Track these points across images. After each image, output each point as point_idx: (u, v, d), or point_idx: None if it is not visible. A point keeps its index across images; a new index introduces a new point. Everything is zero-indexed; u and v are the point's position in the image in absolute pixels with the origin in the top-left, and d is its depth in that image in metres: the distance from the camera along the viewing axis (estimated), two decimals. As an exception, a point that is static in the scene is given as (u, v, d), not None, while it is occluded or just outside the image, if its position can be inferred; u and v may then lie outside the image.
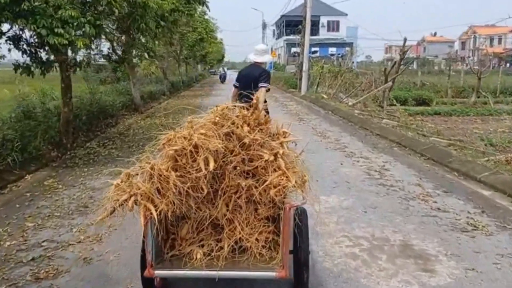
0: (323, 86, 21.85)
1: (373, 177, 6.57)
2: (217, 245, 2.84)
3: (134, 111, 14.89)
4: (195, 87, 33.76)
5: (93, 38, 7.99)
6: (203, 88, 31.62)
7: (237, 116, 2.94)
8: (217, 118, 2.83)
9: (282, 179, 2.67)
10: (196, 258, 2.75)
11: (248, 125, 2.91)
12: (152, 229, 2.64)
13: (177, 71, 29.87)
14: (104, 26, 8.05)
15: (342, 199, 5.49)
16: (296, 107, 17.85)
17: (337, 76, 19.74)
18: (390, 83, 16.58)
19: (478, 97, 21.62)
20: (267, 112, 5.65)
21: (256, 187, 2.72)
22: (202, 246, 2.86)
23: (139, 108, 15.01)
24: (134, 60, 14.94)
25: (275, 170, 2.72)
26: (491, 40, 77.11)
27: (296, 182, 2.69)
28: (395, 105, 16.59)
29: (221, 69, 44.78)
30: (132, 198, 2.57)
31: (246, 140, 2.76)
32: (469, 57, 73.87)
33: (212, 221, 2.87)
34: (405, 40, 17.31)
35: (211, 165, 2.59)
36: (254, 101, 3.12)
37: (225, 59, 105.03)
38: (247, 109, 3.07)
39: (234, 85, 5.86)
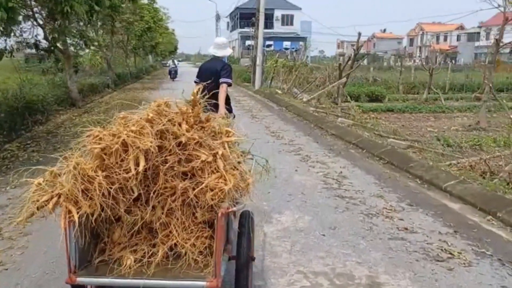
0: (277, 80, 21.20)
1: (331, 187, 5.89)
2: (150, 250, 2.63)
3: (71, 106, 13.52)
4: (145, 79, 32.16)
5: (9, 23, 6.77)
6: (153, 81, 30.12)
7: (176, 113, 2.69)
8: (151, 115, 2.57)
9: (220, 182, 2.48)
10: (126, 264, 2.53)
11: (187, 122, 2.67)
12: (72, 233, 2.41)
13: (125, 62, 28.25)
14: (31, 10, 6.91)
15: (297, 217, 4.73)
16: (250, 103, 17.05)
17: (291, 71, 19.11)
18: (344, 79, 16.14)
19: (429, 93, 21.74)
20: (230, 110, 5.36)
21: (193, 189, 2.52)
22: (136, 251, 2.64)
23: (77, 102, 13.66)
24: (72, 50, 13.54)
25: (213, 172, 2.54)
26: (437, 37, 80.00)
27: (237, 185, 2.54)
28: (349, 101, 16.23)
29: (170, 61, 32.89)
30: (54, 200, 2.37)
31: (183, 139, 2.53)
32: (418, 55, 76.38)
33: (147, 225, 2.68)
34: (359, 35, 16.93)
35: (141, 165, 2.38)
36: (192, 96, 2.81)
37: (179, 51, 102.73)
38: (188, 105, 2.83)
39: (194, 81, 5.36)
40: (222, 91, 4.97)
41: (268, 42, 44.04)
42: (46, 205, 2.37)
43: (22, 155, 7.33)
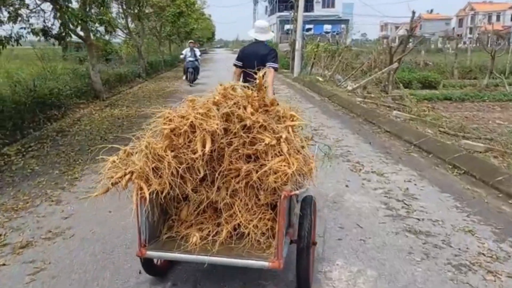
0: (318, 67, 19.47)
1: (397, 214, 4.36)
2: (215, 229, 2.74)
3: (94, 98, 12.49)
4: (179, 67, 31.08)
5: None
6: (188, 69, 29.02)
7: (241, 97, 2.73)
8: (217, 98, 2.67)
9: (283, 165, 2.48)
10: (192, 241, 2.63)
11: (252, 106, 2.67)
12: (143, 209, 2.52)
13: (159, 50, 27.26)
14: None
15: (355, 271, 3.26)
16: (288, 92, 15.48)
17: (334, 56, 17.35)
18: (396, 64, 14.27)
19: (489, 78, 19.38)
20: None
21: (256, 172, 2.54)
22: (201, 229, 2.75)
23: (100, 94, 12.60)
24: (92, 37, 12.45)
25: (276, 155, 2.54)
26: (489, 17, 75.05)
27: (300, 169, 2.54)
28: (401, 89, 14.38)
29: (186, 50, 17.13)
30: (127, 177, 2.46)
31: (248, 122, 2.58)
32: (469, 36, 71.77)
33: (213, 204, 2.77)
34: (413, 13, 14.93)
35: (207, 146, 2.45)
36: (258, 80, 2.78)
37: (216, 37, 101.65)
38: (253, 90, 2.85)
39: (235, 64, 5.35)
40: (270, 75, 4.77)
41: (307, 26, 41.89)
42: (119, 181, 2.45)
43: (18, 162, 6.20)
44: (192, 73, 16.68)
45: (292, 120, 2.78)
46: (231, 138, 2.57)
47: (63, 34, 8.50)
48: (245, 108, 2.67)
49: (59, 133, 8.16)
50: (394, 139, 7.82)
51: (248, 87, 2.82)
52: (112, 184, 2.47)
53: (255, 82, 3.09)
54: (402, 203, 4.64)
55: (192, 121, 2.48)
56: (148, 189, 2.43)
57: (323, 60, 18.23)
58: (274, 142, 2.55)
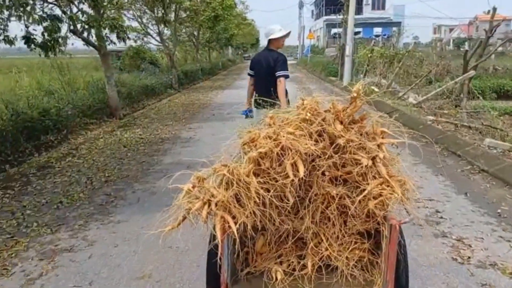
0: (373, 74, 16.93)
1: None
2: (299, 262, 2.37)
3: (110, 116, 10.73)
4: (219, 75, 29.40)
5: None
6: (227, 77, 27.18)
7: (327, 111, 2.38)
8: (308, 115, 2.32)
9: (384, 189, 2.18)
10: (277, 278, 2.30)
11: (341, 122, 2.34)
12: (229, 245, 2.23)
13: (196, 57, 25.63)
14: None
15: None
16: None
17: (392, 62, 14.77)
18: (472, 72, 11.56)
19: None
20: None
21: (348, 196, 2.27)
22: (281, 263, 2.42)
23: (117, 112, 10.81)
24: (109, 46, 10.70)
25: (374, 177, 2.23)
26: (555, 17, 69.08)
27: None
28: (473, 99, 11.71)
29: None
30: (206, 207, 2.09)
31: (340, 141, 2.25)
32: (532, 35, 65.97)
33: (293, 234, 2.42)
34: (494, 10, 12.18)
35: (301, 170, 2.14)
36: (354, 92, 2.36)
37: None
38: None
39: (248, 74, 5.16)
40: (281, 85, 4.64)
41: (356, 29, 39.22)
42: (199, 212, 2.09)
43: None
44: None
45: (382, 137, 2.35)
46: (322, 160, 2.24)
47: (49, 41, 6.66)
48: (334, 125, 2.31)
49: (41, 170, 6.30)
50: (498, 184, 5.35)
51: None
52: (191, 215, 2.04)
53: (271, 92, 3.96)
54: None
55: (282, 143, 2.16)
56: (235, 222, 2.06)
57: (378, 67, 15.68)
58: (370, 163, 2.21)
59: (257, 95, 4.77)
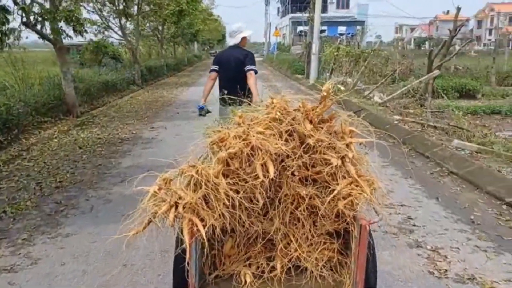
0: (339, 73, 16.90)
1: None
2: (268, 264, 2.33)
3: (67, 114, 10.11)
4: (185, 71, 28.77)
5: None
6: (193, 73, 26.61)
7: (296, 110, 2.32)
8: (278, 114, 2.28)
9: (354, 189, 2.17)
10: (246, 281, 2.24)
11: (311, 122, 2.31)
12: (197, 249, 2.12)
13: (161, 53, 24.94)
14: None
15: None
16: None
17: (358, 61, 14.74)
18: (437, 72, 11.64)
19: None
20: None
21: (318, 197, 2.25)
22: (250, 265, 2.36)
23: (74, 109, 10.20)
24: (67, 40, 10.08)
25: (343, 177, 2.23)
26: (510, 18, 72.18)
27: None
28: (442, 98, 11.82)
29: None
30: (173, 210, 2.01)
31: (310, 141, 2.22)
32: (488, 38, 68.66)
33: (262, 236, 2.36)
34: (458, 10, 12.31)
35: (271, 171, 2.12)
36: (324, 92, 2.35)
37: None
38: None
39: (212, 69, 5.03)
40: (252, 78, 4.68)
41: (321, 27, 39.43)
42: (166, 216, 2.01)
43: None
44: None
45: (351, 137, 2.36)
46: (292, 160, 2.22)
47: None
48: (304, 124, 2.27)
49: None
50: (469, 188, 5.27)
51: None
52: (157, 218, 1.96)
53: (237, 89, 3.81)
54: None
55: (252, 143, 2.13)
56: (204, 224, 2.01)
57: (344, 66, 15.64)
58: (339, 162, 2.21)
59: (225, 92, 4.47)
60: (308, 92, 16.12)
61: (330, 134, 2.36)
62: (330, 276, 2.30)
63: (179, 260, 2.10)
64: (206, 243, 2.04)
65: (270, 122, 2.26)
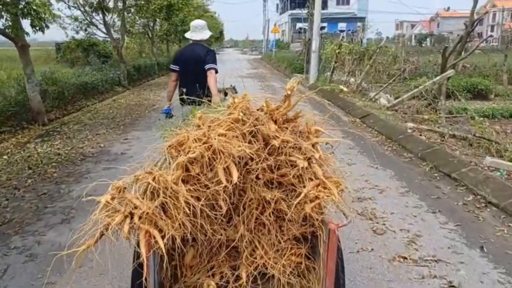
0: (340, 72, 15.61)
1: None
2: (233, 273, 2.22)
3: (32, 122, 8.83)
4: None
5: None
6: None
7: (260, 110, 2.28)
8: (241, 114, 2.18)
9: (321, 191, 2.09)
10: None
11: (275, 122, 2.25)
12: (156, 261, 1.99)
13: (152, 51, 23.63)
14: None
15: None
16: (304, 107, 11.58)
17: (362, 59, 13.44)
18: (452, 71, 10.37)
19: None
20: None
21: (284, 200, 2.16)
22: (213, 275, 2.24)
23: (40, 116, 8.91)
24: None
25: (310, 179, 2.14)
26: (512, 14, 71.20)
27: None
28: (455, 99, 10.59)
29: None
30: (128, 221, 1.88)
31: (275, 142, 2.13)
32: (490, 34, 67.45)
33: (226, 244, 2.24)
34: (475, 2, 11.02)
35: (235, 175, 2.00)
36: (288, 90, 2.31)
37: (226, 37, 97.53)
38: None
39: (172, 69, 4.85)
40: (212, 77, 4.43)
41: (321, 24, 38.12)
42: (120, 228, 1.87)
43: None
44: None
45: (317, 137, 2.29)
46: (256, 162, 2.10)
47: None
48: (268, 124, 2.20)
49: None
50: (520, 229, 4.00)
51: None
52: (109, 230, 1.81)
53: (197, 88, 3.88)
54: None
55: (213, 146, 2.00)
56: (162, 236, 1.87)
57: (347, 64, 14.33)
58: (306, 164, 2.12)
59: (184, 90, 4.40)
60: (307, 93, 14.82)
61: (296, 134, 2.29)
62: (298, 282, 2.24)
63: (137, 274, 1.98)
64: (166, 256, 1.89)
65: (232, 123, 2.16)
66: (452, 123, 9.85)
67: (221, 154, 2.00)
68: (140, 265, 1.86)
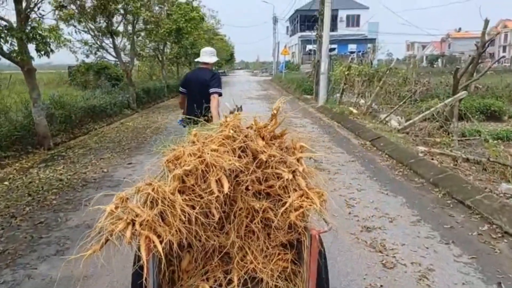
0: (350, 93, 15.45)
1: None
2: (225, 277, 2.42)
3: (38, 146, 8.78)
4: (189, 92, 27.50)
5: None
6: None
7: (249, 128, 2.54)
8: (232, 131, 2.41)
9: (304, 201, 2.30)
10: None
11: (263, 138, 2.51)
12: (155, 265, 2.16)
13: (162, 74, 23.79)
14: None
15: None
16: (312, 129, 11.42)
17: (372, 81, 13.28)
18: (465, 93, 10.13)
19: None
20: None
21: (271, 209, 2.38)
22: (207, 279, 2.44)
23: (45, 141, 8.86)
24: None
25: (294, 190, 2.35)
26: (524, 36, 71.10)
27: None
28: (467, 121, 10.31)
29: None
30: (130, 227, 2.06)
31: (263, 157, 2.34)
32: (502, 55, 67.10)
33: (219, 249, 2.48)
34: (486, 23, 10.85)
35: (226, 186, 2.22)
36: (274, 109, 2.59)
37: (237, 59, 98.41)
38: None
39: (180, 91, 5.28)
40: (215, 101, 4.72)
41: (331, 46, 38.09)
42: (122, 233, 2.05)
43: None
44: None
45: (301, 152, 2.53)
46: (245, 175, 2.31)
47: None
48: (256, 140, 2.45)
49: None
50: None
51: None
52: (113, 236, 1.99)
53: (199, 109, 4.19)
54: None
55: (206, 160, 2.21)
56: (160, 241, 2.05)
57: (356, 86, 14.18)
58: (291, 176, 2.33)
59: (187, 113, 4.64)
60: (316, 115, 14.73)
61: (282, 149, 2.49)
62: (285, 285, 2.38)
63: (137, 276, 2.09)
64: (164, 259, 2.06)
65: (223, 139, 2.35)
66: (465, 146, 9.59)
67: (213, 167, 2.21)
68: (141, 268, 2.01)
